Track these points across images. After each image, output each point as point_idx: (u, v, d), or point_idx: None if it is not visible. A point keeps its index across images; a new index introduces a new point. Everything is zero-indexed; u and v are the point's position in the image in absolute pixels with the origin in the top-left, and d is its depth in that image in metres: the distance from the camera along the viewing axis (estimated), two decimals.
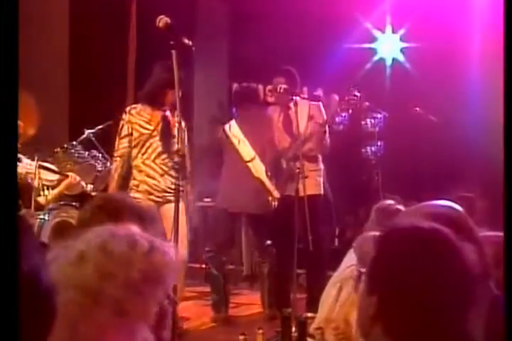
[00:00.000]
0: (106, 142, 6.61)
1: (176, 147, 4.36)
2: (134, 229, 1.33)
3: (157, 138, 5.22)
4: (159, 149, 5.23)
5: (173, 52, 4.18)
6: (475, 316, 1.81)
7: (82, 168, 6.24)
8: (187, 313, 5.75)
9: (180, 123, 4.68)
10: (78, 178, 5.83)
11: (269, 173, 5.92)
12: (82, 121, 6.95)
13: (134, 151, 5.24)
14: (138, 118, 5.24)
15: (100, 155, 6.55)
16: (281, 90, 5.77)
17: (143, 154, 5.24)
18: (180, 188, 4.62)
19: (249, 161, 5.86)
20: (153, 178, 5.22)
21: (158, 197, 5.21)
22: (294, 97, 5.71)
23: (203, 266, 6.62)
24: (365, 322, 1.60)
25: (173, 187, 4.85)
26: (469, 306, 1.57)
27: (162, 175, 5.21)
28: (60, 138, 7.04)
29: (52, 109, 7.12)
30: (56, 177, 5.84)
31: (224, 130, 6.07)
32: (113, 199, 2.38)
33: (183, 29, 4.50)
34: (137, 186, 5.21)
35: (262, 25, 8.76)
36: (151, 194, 5.16)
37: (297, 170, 5.42)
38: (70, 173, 5.86)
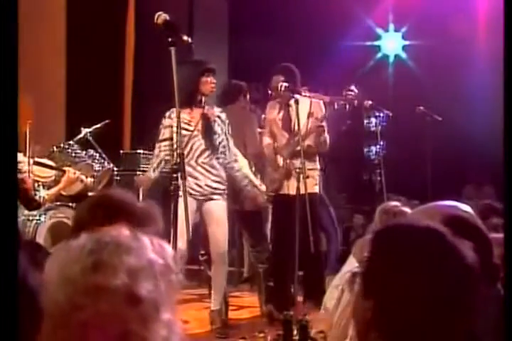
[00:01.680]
0: (103, 141, 6.53)
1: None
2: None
3: (198, 137, 5.27)
4: (202, 147, 5.28)
5: (172, 49, 4.09)
6: (483, 318, 1.76)
7: (79, 167, 6.14)
8: (185, 316, 5.66)
9: (220, 117, 5.23)
10: (77, 173, 5.74)
11: (253, 168, 5.84)
12: (79, 120, 6.88)
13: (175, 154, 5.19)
14: (177, 121, 5.18)
15: (98, 154, 6.46)
16: (282, 88, 5.70)
17: (186, 156, 5.16)
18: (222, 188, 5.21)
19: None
20: (196, 178, 5.22)
21: (200, 195, 5.25)
22: (295, 95, 5.63)
23: (202, 267, 6.53)
24: (361, 327, 1.54)
25: (214, 185, 5.22)
26: (471, 307, 1.50)
27: (203, 174, 5.26)
28: (57, 137, 6.97)
29: (49, 108, 7.06)
30: (53, 173, 5.74)
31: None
32: (110, 198, 2.31)
33: (182, 26, 4.42)
34: (178, 187, 5.19)
35: (264, 23, 8.71)
36: (191, 193, 5.09)
37: (298, 170, 5.34)
38: (66, 168, 5.77)
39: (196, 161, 5.26)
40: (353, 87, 5.86)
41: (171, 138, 5.25)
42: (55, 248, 1.22)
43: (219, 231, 5.24)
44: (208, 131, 5.29)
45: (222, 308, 5.50)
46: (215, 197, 5.26)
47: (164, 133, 5.35)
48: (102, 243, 1.17)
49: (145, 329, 1.12)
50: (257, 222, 6.08)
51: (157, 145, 5.40)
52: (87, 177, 5.83)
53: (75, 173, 5.62)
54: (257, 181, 5.78)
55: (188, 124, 5.25)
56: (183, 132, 5.14)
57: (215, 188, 5.26)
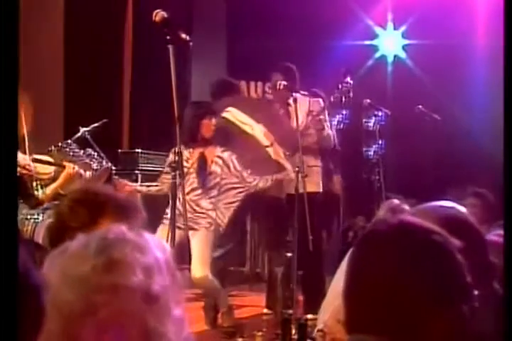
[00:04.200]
0: (101, 140, 6.52)
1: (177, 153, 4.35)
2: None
3: (193, 175, 5.45)
4: (194, 185, 5.45)
5: (170, 47, 4.08)
6: (478, 317, 1.75)
7: (77, 166, 6.12)
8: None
9: (220, 157, 5.45)
10: (76, 167, 5.72)
11: (287, 153, 5.85)
12: (78, 119, 6.86)
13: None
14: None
15: (96, 153, 6.44)
16: (281, 87, 5.69)
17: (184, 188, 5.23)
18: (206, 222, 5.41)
19: (268, 146, 5.79)
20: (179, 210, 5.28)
21: (182, 224, 5.28)
22: (294, 94, 5.62)
23: None
24: (347, 323, 1.52)
25: (197, 221, 5.39)
26: (460, 305, 1.47)
27: (188, 211, 5.26)
28: (55, 136, 6.95)
29: (47, 107, 7.04)
30: (52, 169, 5.72)
31: (225, 118, 5.99)
32: (92, 192, 2.30)
33: (180, 24, 4.42)
34: (167, 214, 5.34)
35: (262, 22, 8.69)
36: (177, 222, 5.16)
37: (296, 169, 5.33)
38: (66, 163, 5.75)
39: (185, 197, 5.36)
40: (348, 79, 5.86)
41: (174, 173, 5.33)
42: (52, 252, 1.19)
43: (196, 259, 5.31)
44: (201, 171, 5.48)
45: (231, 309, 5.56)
46: (197, 227, 5.40)
47: (167, 168, 5.47)
48: (109, 241, 1.16)
49: (163, 326, 1.12)
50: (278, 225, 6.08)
51: (161, 176, 5.61)
52: (85, 171, 5.82)
53: (73, 168, 5.61)
54: (289, 167, 5.74)
55: (186, 161, 5.36)
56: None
57: (199, 221, 5.42)
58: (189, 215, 5.33)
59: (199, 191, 5.46)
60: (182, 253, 5.24)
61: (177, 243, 4.69)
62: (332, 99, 5.92)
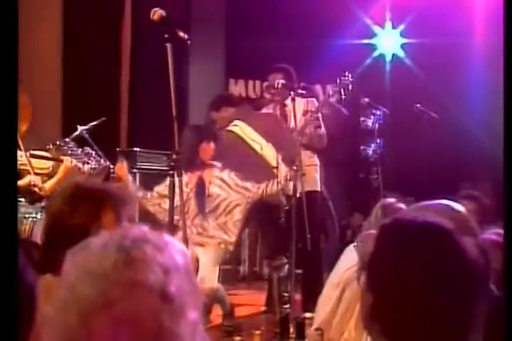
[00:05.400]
0: (100, 139, 6.51)
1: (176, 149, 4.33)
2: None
3: (192, 199, 5.44)
4: (196, 210, 5.44)
5: (168, 45, 4.07)
6: (477, 317, 1.75)
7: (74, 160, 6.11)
8: None
9: (218, 177, 5.42)
10: (74, 161, 5.71)
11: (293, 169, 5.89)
12: (76, 118, 6.85)
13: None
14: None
15: (94, 152, 6.43)
16: (279, 85, 5.69)
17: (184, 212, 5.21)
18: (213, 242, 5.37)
19: (275, 167, 5.77)
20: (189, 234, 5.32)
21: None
22: (292, 93, 5.63)
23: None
24: (364, 321, 1.54)
25: (203, 242, 5.37)
26: (471, 306, 1.49)
27: (193, 233, 5.36)
28: (53, 134, 6.95)
29: (45, 105, 7.03)
30: (50, 163, 5.71)
31: (233, 132, 5.96)
32: (88, 186, 2.31)
33: (179, 22, 4.41)
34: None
35: (260, 21, 8.69)
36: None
37: (295, 168, 5.33)
38: (64, 157, 5.74)
39: (192, 222, 5.39)
40: (346, 73, 5.88)
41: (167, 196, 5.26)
42: (73, 248, 1.21)
43: (204, 269, 5.28)
44: (199, 194, 5.46)
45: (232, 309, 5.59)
46: (207, 245, 5.39)
47: (161, 187, 5.47)
48: (130, 239, 1.18)
49: (177, 326, 1.14)
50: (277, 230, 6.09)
51: (155, 194, 5.52)
52: (84, 164, 5.80)
53: (71, 162, 5.60)
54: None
55: (186, 186, 5.31)
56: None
57: (206, 242, 5.40)
58: (197, 238, 5.38)
59: (201, 215, 5.44)
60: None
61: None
62: (331, 93, 5.93)
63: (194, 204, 5.44)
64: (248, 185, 5.51)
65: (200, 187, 5.48)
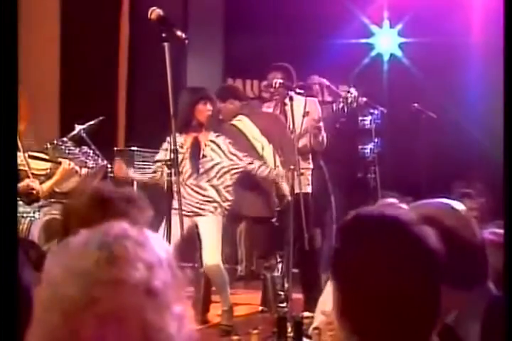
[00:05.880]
0: (97, 138, 6.51)
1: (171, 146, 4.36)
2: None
3: (187, 160, 5.52)
4: (190, 170, 5.52)
5: (166, 44, 4.07)
6: (470, 317, 1.80)
7: (72, 163, 6.11)
8: None
9: (213, 141, 5.50)
10: (72, 164, 5.71)
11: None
12: (73, 117, 6.85)
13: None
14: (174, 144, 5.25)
15: (91, 151, 6.43)
16: (277, 85, 5.69)
17: (179, 175, 5.24)
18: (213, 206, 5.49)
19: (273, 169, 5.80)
20: (184, 198, 5.33)
21: (189, 211, 5.45)
22: (290, 92, 5.62)
23: (195, 264, 6.51)
24: (337, 320, 1.54)
25: (202, 206, 5.48)
26: (436, 294, 1.49)
27: (191, 195, 5.48)
28: (50, 133, 6.94)
29: (43, 104, 7.03)
30: (48, 165, 5.71)
31: (235, 126, 5.97)
32: (101, 190, 2.32)
33: (176, 21, 4.41)
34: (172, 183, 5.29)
35: (258, 20, 8.68)
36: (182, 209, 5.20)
37: (292, 167, 5.33)
38: (62, 159, 5.75)
39: (186, 183, 5.46)
40: (352, 90, 5.89)
41: (169, 160, 5.29)
42: (54, 245, 1.21)
43: (208, 246, 5.40)
44: (194, 155, 5.53)
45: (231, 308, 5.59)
46: (203, 213, 5.50)
47: (160, 154, 5.60)
48: (111, 237, 1.17)
49: (162, 320, 1.13)
50: (265, 228, 6.10)
51: (154, 165, 5.69)
52: (81, 167, 5.81)
53: (69, 164, 5.60)
54: (286, 190, 5.78)
55: (181, 147, 5.40)
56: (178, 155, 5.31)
57: (203, 208, 5.49)
58: (194, 200, 5.45)
59: (195, 175, 5.51)
60: (190, 243, 5.29)
61: (185, 231, 4.72)
62: (334, 108, 5.96)
63: (189, 164, 5.52)
64: (240, 154, 5.59)
65: (196, 148, 5.54)
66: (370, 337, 1.47)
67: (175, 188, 4.52)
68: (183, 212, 5.21)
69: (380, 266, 1.47)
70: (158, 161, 5.60)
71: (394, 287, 1.45)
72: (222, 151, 5.55)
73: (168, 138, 5.41)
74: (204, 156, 5.52)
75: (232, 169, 5.59)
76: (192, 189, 5.49)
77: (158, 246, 1.20)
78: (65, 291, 1.12)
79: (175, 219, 4.38)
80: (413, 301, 1.46)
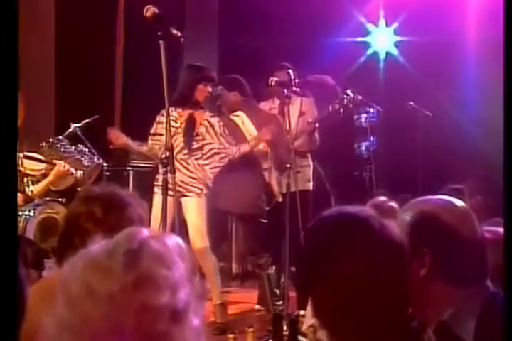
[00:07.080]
0: (93, 136, 6.50)
1: (168, 144, 4.34)
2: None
3: (180, 134, 5.49)
4: (181, 145, 5.50)
5: (161, 42, 4.07)
6: (467, 313, 1.81)
7: (68, 162, 6.10)
8: None
9: (208, 121, 5.49)
10: (67, 166, 5.71)
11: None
12: (69, 115, 6.84)
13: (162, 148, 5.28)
14: (167, 118, 5.24)
15: (87, 149, 6.42)
16: (273, 83, 5.68)
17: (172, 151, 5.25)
18: (197, 186, 5.46)
19: (266, 169, 5.80)
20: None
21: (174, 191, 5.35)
22: (286, 91, 5.62)
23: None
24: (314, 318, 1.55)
25: (188, 181, 5.46)
26: (404, 286, 1.50)
27: (179, 170, 5.38)
28: (46, 132, 6.93)
29: (38, 103, 7.01)
30: (42, 166, 5.71)
31: (232, 121, 5.99)
32: (119, 195, 2.30)
33: (172, 19, 4.40)
34: (157, 180, 5.37)
35: (254, 19, 8.68)
36: (168, 188, 5.15)
37: (288, 166, 5.33)
38: (57, 161, 5.75)
39: (176, 157, 5.36)
40: (349, 91, 5.90)
41: (161, 134, 5.36)
42: (72, 259, 1.15)
43: (193, 227, 5.38)
44: (188, 131, 5.51)
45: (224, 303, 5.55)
46: (189, 194, 5.46)
47: (157, 128, 5.57)
48: (135, 253, 1.12)
49: (181, 334, 1.11)
50: (256, 226, 6.11)
51: (149, 138, 5.64)
52: (76, 170, 5.81)
53: (64, 166, 5.60)
54: (277, 190, 5.85)
55: (175, 121, 5.42)
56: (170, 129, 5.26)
57: (190, 185, 5.47)
58: (181, 178, 5.36)
59: (186, 151, 5.52)
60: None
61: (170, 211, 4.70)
62: (330, 109, 5.97)
63: (181, 139, 5.52)
64: (223, 140, 5.58)
65: (190, 124, 5.54)
66: (344, 334, 1.47)
67: (170, 186, 4.49)
68: (169, 192, 5.26)
69: (344, 263, 1.48)
70: (154, 135, 5.59)
71: (361, 282, 1.46)
72: (215, 132, 5.55)
73: (162, 111, 5.42)
74: (197, 135, 5.52)
75: (221, 153, 5.59)
76: (181, 164, 5.48)
77: (179, 256, 1.16)
78: (87, 313, 1.08)
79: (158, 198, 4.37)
80: (382, 294, 1.47)
